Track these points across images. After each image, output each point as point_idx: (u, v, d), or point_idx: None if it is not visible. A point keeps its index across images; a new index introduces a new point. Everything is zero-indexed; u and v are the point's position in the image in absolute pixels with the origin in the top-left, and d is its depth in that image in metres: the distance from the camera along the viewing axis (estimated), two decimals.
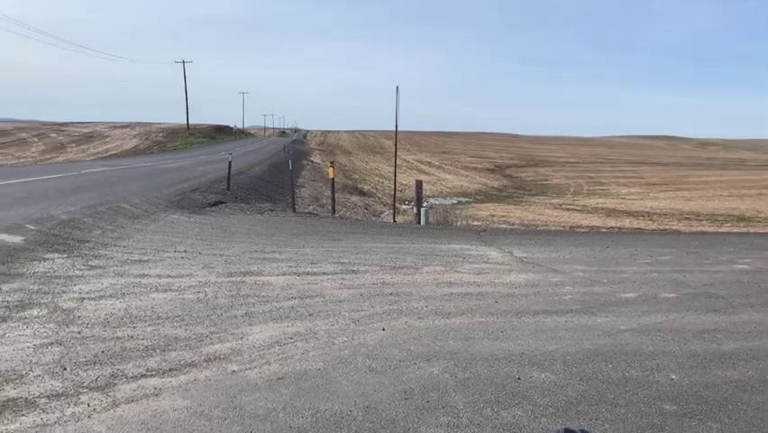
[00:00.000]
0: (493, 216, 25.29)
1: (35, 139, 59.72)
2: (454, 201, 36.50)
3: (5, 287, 5.68)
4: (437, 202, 32.39)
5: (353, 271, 7.05)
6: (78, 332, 4.54)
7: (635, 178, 49.48)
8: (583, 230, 18.71)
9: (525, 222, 22.59)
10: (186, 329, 4.70)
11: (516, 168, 62.40)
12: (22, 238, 7.90)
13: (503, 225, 19.10)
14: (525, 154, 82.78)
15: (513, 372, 4.00)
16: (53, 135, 62.83)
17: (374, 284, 6.40)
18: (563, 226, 20.64)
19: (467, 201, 37.33)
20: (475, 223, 19.76)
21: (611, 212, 27.39)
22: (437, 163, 63.29)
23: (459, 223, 17.43)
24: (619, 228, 18.61)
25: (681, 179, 47.24)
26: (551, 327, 5.04)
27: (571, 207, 30.56)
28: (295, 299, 5.73)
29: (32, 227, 8.69)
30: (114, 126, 78.39)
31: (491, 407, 3.46)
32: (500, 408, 3.45)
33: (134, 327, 4.70)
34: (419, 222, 14.83)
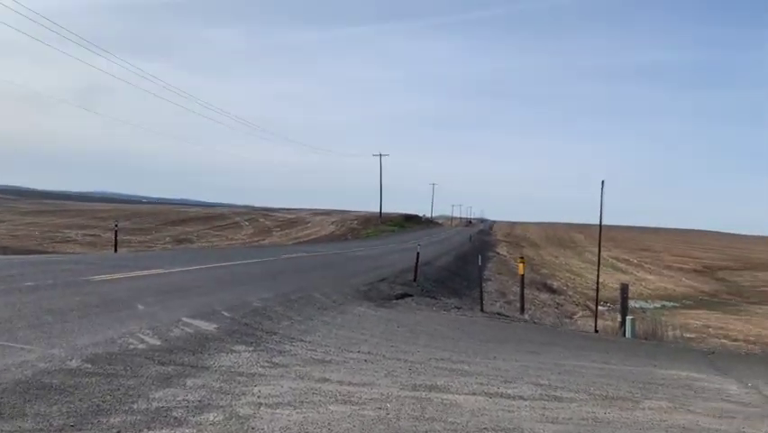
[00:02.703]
0: (708, 327, 22.11)
1: (246, 223, 66.30)
2: (657, 305, 32.99)
3: (190, 382, 5.53)
4: (638, 305, 29.40)
5: (556, 397, 5.97)
6: None
7: None
8: None
9: (751, 337, 19.32)
10: None
11: (729, 270, 55.52)
12: (216, 327, 8.00)
13: (728, 343, 16.36)
14: (739, 256, 73.86)
15: None
16: (261, 220, 69.32)
17: (584, 420, 5.27)
18: None
19: (672, 306, 33.57)
20: (689, 335, 17.23)
21: None
22: (636, 261, 58.60)
23: (670, 333, 15.22)
24: None
25: None
26: None
27: None
28: (488, 430, 4.83)
29: (227, 314, 8.85)
30: (315, 213, 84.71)
31: None
32: None
33: None
34: (624, 334, 13.06)
